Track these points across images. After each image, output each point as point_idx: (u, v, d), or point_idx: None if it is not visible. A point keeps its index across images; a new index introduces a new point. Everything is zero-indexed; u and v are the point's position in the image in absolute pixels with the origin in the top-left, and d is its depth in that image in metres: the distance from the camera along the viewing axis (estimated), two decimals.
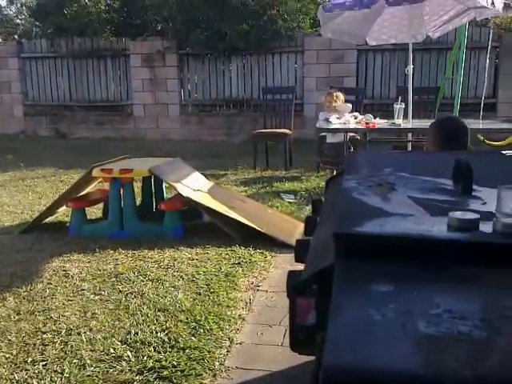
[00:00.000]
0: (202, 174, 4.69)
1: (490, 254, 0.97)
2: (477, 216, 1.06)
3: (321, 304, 1.08)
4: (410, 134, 5.70)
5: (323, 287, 1.06)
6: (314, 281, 1.09)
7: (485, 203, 1.24)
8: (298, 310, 1.15)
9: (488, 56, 7.39)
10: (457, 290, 0.90)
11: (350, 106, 5.75)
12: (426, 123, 5.57)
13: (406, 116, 5.31)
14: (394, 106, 5.22)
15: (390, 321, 0.80)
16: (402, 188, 1.40)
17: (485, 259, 0.96)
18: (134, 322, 2.57)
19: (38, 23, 11.15)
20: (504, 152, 2.51)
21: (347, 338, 0.76)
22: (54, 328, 2.54)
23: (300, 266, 1.48)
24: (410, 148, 5.58)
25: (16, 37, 11.61)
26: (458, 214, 1.07)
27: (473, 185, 1.34)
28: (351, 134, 5.59)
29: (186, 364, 2.20)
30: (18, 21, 13.48)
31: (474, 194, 1.33)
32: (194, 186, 4.14)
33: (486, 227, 1.04)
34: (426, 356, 0.70)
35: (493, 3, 4.67)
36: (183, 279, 3.11)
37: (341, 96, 5.76)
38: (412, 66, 5.59)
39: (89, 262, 3.42)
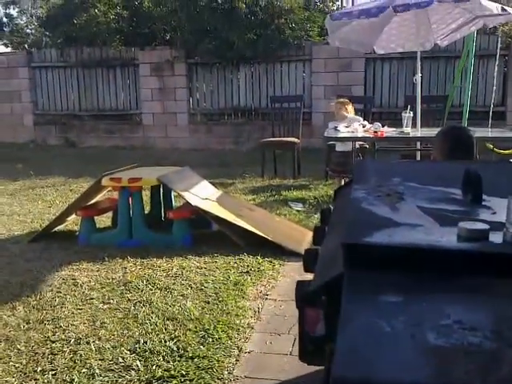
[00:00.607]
0: (211, 182, 4.70)
1: (500, 265, 0.96)
2: (486, 226, 1.06)
3: (330, 314, 1.08)
4: (418, 143, 5.69)
5: (332, 298, 1.06)
6: (323, 291, 1.09)
7: (494, 213, 1.24)
8: (307, 320, 1.15)
9: (497, 64, 7.38)
10: (467, 301, 0.90)
11: (360, 119, 5.72)
12: (434, 132, 5.55)
13: (414, 125, 5.30)
14: (403, 114, 5.21)
15: (400, 332, 0.80)
16: (411, 198, 1.40)
17: (495, 269, 0.95)
18: (143, 331, 2.57)
19: (47, 33, 11.26)
20: None
21: (356, 349, 0.76)
22: (63, 337, 2.55)
23: (309, 276, 1.48)
24: (418, 157, 5.57)
25: (26, 46, 11.72)
26: (467, 224, 1.07)
27: (482, 194, 1.33)
28: (360, 143, 5.59)
29: (194, 373, 2.20)
30: (28, 30, 13.63)
31: (483, 203, 1.32)
32: (203, 194, 4.15)
33: (496, 237, 1.04)
34: (436, 368, 0.70)
35: (504, 9, 4.66)
36: (192, 288, 3.12)
37: (350, 105, 5.76)
38: (420, 75, 5.58)
39: (98, 271, 3.44)
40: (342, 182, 3.40)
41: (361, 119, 5.67)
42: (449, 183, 1.53)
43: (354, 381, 0.69)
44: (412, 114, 5.21)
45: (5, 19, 12.13)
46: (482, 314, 0.85)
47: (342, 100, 5.87)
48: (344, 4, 11.39)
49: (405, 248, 1.02)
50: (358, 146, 5.52)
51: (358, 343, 0.78)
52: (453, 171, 1.76)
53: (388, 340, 0.78)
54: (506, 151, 6.25)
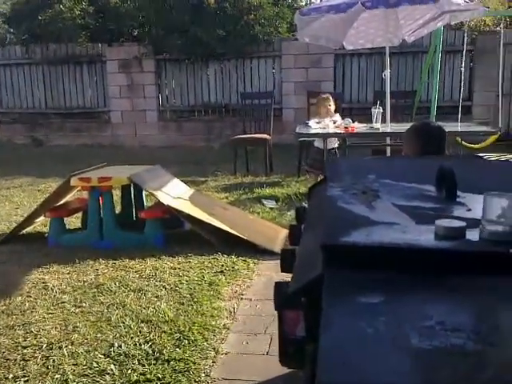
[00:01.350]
0: (182, 180, 4.66)
1: (479, 263, 0.96)
2: (463, 224, 1.06)
3: (310, 316, 1.07)
4: (388, 138, 5.75)
5: (312, 299, 1.05)
6: (303, 293, 1.08)
7: (469, 210, 1.24)
8: (287, 322, 1.13)
9: (463, 59, 7.51)
10: (447, 301, 0.89)
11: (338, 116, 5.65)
12: (403, 127, 5.61)
13: (383, 120, 5.35)
14: (372, 110, 5.26)
15: (382, 334, 0.79)
16: (387, 195, 1.40)
17: (473, 268, 0.96)
18: (117, 335, 2.53)
19: (11, 29, 10.99)
20: (483, 156, 2.54)
21: (339, 354, 0.75)
22: (34, 342, 2.49)
23: (285, 276, 1.47)
24: (388, 152, 5.62)
25: None
26: (444, 222, 1.07)
27: (456, 191, 1.34)
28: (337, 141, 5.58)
29: (171, 376, 2.17)
30: None
31: (458, 200, 1.33)
32: (175, 193, 4.11)
33: (473, 235, 1.04)
34: (421, 372, 0.69)
35: (468, 2, 4.74)
36: (166, 289, 3.08)
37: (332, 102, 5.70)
38: (389, 70, 5.64)
39: (68, 274, 3.36)
40: (318, 179, 3.39)
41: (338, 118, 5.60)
42: (423, 179, 1.54)
43: None
44: (382, 110, 5.26)
45: None
46: (463, 315, 0.85)
47: (325, 96, 5.73)
48: (313, 0, 11.43)
49: (383, 247, 1.01)
50: (337, 144, 5.51)
51: (340, 347, 0.76)
52: (426, 167, 1.78)
53: (371, 343, 0.77)
54: (475, 145, 6.37)
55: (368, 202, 1.33)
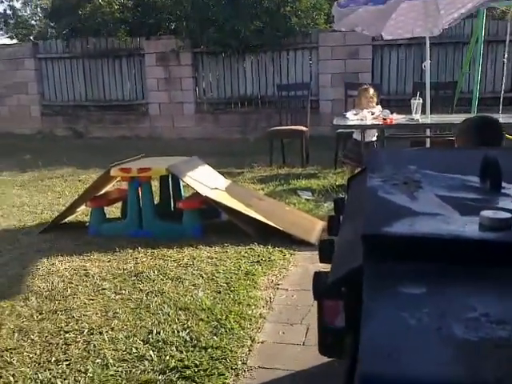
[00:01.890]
0: (219, 172, 4.69)
1: None
2: (509, 215, 1.03)
3: (350, 306, 1.06)
4: (428, 130, 5.64)
5: (352, 289, 1.04)
6: (343, 283, 1.08)
7: None
8: (326, 312, 1.13)
9: (506, 49, 7.28)
10: (492, 292, 0.88)
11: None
12: (443, 118, 5.54)
13: (423, 111, 5.25)
14: (412, 101, 5.17)
15: (426, 325, 0.78)
16: (429, 186, 1.37)
17: None
18: (156, 321, 2.58)
19: (52, 24, 11.24)
20: None
21: (382, 344, 0.75)
22: (76, 327, 2.56)
23: (321, 266, 1.47)
24: (428, 144, 5.53)
25: (31, 38, 11.71)
26: (489, 213, 1.05)
27: (501, 182, 1.31)
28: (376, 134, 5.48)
29: (208, 363, 2.20)
30: (33, 22, 13.59)
31: (503, 191, 1.30)
32: (212, 184, 4.14)
33: None
34: (466, 364, 0.68)
35: None
36: (203, 278, 3.12)
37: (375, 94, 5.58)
38: (429, 61, 5.52)
39: (109, 261, 3.44)
40: (355, 171, 3.34)
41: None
42: (466, 170, 1.51)
43: (383, 377, 0.67)
44: (421, 101, 5.16)
45: (9, 11, 12.10)
46: (509, 307, 0.83)
47: (366, 87, 5.58)
48: None
49: (426, 238, 1.00)
50: (375, 138, 5.39)
51: (383, 338, 0.76)
52: (469, 158, 1.74)
53: (414, 334, 0.76)
54: None
55: (410, 192, 1.32)
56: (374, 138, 5.35)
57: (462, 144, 2.37)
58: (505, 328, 0.74)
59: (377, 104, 5.53)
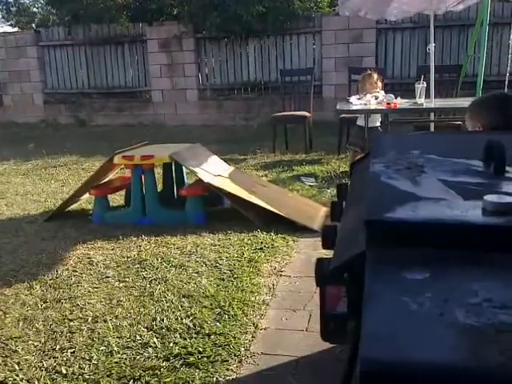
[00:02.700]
0: (222, 159, 4.67)
1: None
2: None
3: (352, 292, 1.05)
4: (432, 114, 5.60)
5: (354, 275, 1.03)
6: (345, 269, 1.07)
7: None
8: (328, 298, 1.12)
9: (511, 32, 7.19)
10: (495, 278, 0.87)
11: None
12: (448, 102, 5.49)
13: (427, 95, 5.20)
14: (416, 85, 5.11)
15: (428, 310, 0.77)
16: (432, 171, 1.36)
17: None
18: (159, 309, 2.58)
19: (54, 11, 11.17)
20: None
21: (384, 329, 0.74)
22: (80, 315, 2.57)
23: (324, 252, 1.46)
24: (432, 128, 5.48)
25: (33, 25, 11.64)
26: (493, 198, 1.03)
27: (505, 166, 1.29)
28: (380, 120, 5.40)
29: (211, 350, 2.20)
30: (34, 9, 13.51)
31: (507, 175, 1.28)
32: (215, 171, 4.13)
33: None
34: (469, 348, 0.67)
35: None
36: (206, 265, 3.12)
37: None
38: (434, 44, 5.46)
39: (112, 249, 3.45)
40: (358, 157, 3.29)
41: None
42: (469, 155, 1.49)
43: (384, 362, 0.66)
44: (425, 85, 5.11)
45: None
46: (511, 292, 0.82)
47: (369, 73, 5.47)
48: None
49: (429, 224, 0.98)
50: (378, 123, 5.30)
51: (385, 323, 0.75)
52: (472, 142, 1.72)
53: (416, 319, 0.75)
54: None
55: (413, 177, 1.30)
56: (378, 124, 5.29)
57: (477, 123, 2.11)
58: (508, 313, 0.73)
59: (381, 89, 5.47)
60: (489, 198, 1.03)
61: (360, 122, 5.34)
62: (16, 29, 11.83)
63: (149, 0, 10.02)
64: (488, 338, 0.70)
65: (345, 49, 8.69)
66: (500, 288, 0.83)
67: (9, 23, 13.00)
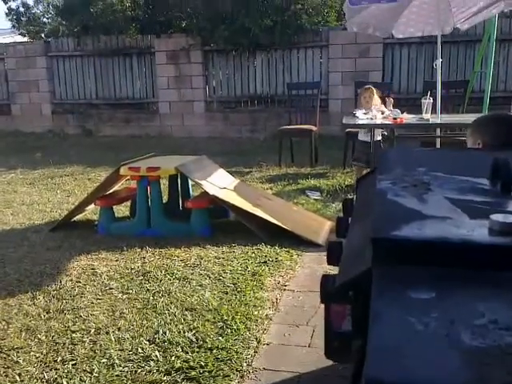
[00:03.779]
0: (228, 171, 4.68)
1: None
2: None
3: (357, 310, 1.04)
4: (438, 130, 5.59)
5: (359, 293, 1.02)
6: (350, 287, 1.06)
7: None
8: (333, 316, 1.12)
9: None
10: (501, 298, 0.86)
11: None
12: (454, 118, 5.48)
13: (433, 111, 5.20)
14: (422, 100, 5.11)
15: (434, 331, 0.76)
16: (438, 188, 1.35)
17: None
18: (162, 322, 2.57)
19: (64, 22, 11.27)
20: None
21: (390, 348, 0.73)
22: (83, 327, 2.56)
23: (328, 267, 1.45)
24: (438, 144, 5.47)
25: (43, 36, 11.74)
26: (499, 217, 1.03)
27: None
28: (382, 134, 5.42)
29: (213, 365, 2.18)
30: (44, 19, 13.64)
31: None
32: (220, 183, 4.13)
33: None
34: (475, 370, 0.66)
35: None
36: (210, 278, 3.10)
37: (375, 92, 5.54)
38: (441, 60, 5.47)
39: (117, 261, 3.44)
40: (364, 172, 3.28)
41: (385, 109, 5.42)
42: (476, 172, 1.48)
43: (389, 382, 0.65)
44: (432, 100, 5.11)
45: (21, 9, 12.15)
46: None
47: (368, 86, 5.56)
48: None
49: (436, 242, 0.98)
50: (379, 137, 5.30)
51: (390, 343, 0.74)
52: (479, 160, 1.71)
53: (422, 339, 0.74)
54: None
55: (419, 194, 1.29)
56: (379, 138, 5.30)
57: (479, 140, 2.08)
58: None
59: (382, 103, 5.47)
60: (495, 217, 1.03)
61: (361, 136, 5.36)
62: (26, 38, 11.93)
63: (158, 12, 10.09)
64: (494, 359, 0.69)
65: (352, 63, 8.71)
66: (505, 309, 0.83)
67: (19, 32, 13.13)
